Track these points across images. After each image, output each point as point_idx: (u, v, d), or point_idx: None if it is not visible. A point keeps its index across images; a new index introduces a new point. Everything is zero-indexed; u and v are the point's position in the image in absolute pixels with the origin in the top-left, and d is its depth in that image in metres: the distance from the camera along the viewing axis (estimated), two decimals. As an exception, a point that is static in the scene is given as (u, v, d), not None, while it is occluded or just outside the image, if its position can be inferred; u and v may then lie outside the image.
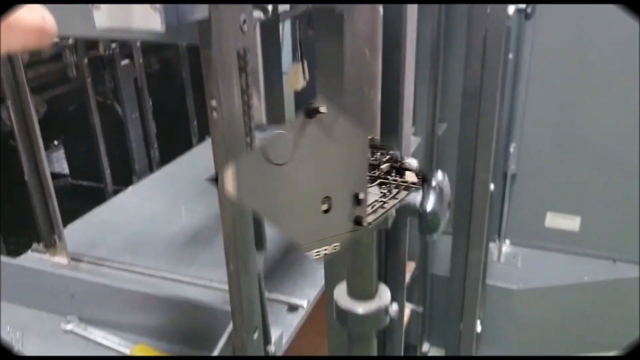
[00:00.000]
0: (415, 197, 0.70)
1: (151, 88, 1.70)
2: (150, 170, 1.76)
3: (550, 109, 2.13)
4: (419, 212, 0.69)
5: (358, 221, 0.63)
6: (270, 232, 1.41)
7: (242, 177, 0.56)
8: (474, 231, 1.95)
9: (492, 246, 2.34)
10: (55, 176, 3.11)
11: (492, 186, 1.92)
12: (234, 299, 0.87)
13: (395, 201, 0.68)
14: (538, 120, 2.16)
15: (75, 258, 1.28)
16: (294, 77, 1.55)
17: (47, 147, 3.34)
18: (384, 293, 0.79)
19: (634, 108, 2.04)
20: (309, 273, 1.22)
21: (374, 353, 0.83)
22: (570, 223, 2.24)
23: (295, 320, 1.11)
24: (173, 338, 1.06)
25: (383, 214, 0.66)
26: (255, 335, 0.93)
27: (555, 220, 2.26)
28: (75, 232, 1.42)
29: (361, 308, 0.77)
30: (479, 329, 2.11)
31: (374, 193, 0.69)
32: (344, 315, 0.78)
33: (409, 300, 2.13)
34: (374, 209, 0.67)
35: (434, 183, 0.70)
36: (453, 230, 2.02)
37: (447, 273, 2.08)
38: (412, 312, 2.10)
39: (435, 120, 1.92)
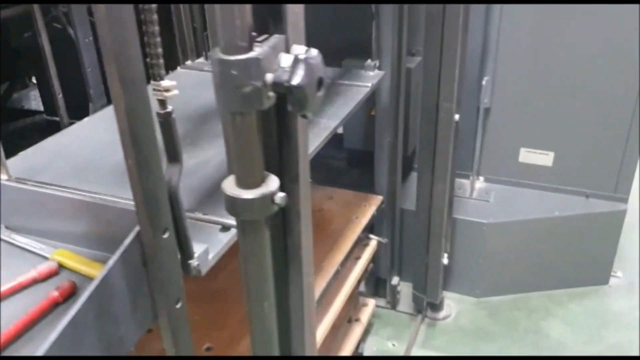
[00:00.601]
0: (283, 74, 0.68)
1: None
2: (107, 98, 1.73)
3: (524, 41, 2.08)
4: (288, 87, 0.67)
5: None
6: (214, 153, 1.42)
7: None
8: (439, 164, 1.94)
9: (465, 182, 2.33)
10: (31, 113, 3.13)
11: (456, 117, 1.89)
12: (135, 194, 0.87)
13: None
14: (512, 53, 2.11)
15: (19, 180, 1.27)
16: None
17: (25, 86, 3.37)
18: (271, 182, 0.78)
19: (611, 40, 1.98)
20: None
21: (266, 241, 0.83)
22: (544, 158, 2.22)
23: (225, 239, 1.10)
24: (93, 243, 1.07)
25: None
26: (165, 236, 0.93)
27: (529, 156, 2.23)
28: (25, 159, 1.42)
29: (247, 194, 0.76)
30: (445, 261, 2.12)
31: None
32: (232, 203, 0.77)
33: (378, 234, 2.14)
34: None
35: (302, 57, 0.69)
36: (418, 162, 2.01)
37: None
38: (380, 245, 2.11)
39: (402, 49, 1.88)
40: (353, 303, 2.08)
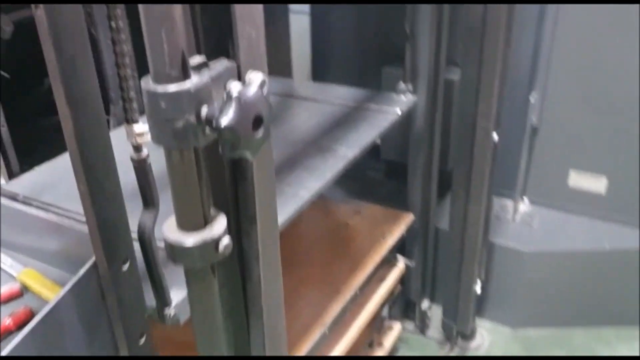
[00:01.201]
0: (214, 111, 0.59)
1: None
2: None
3: (578, 55, 1.91)
4: (215, 128, 0.58)
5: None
6: None
7: None
8: (474, 185, 1.80)
9: (509, 203, 2.17)
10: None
11: (495, 136, 1.74)
12: (89, 222, 0.81)
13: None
14: (566, 67, 1.94)
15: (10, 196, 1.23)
16: None
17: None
18: (217, 225, 0.69)
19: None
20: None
21: (214, 290, 0.74)
22: (596, 183, 2.03)
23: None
24: (62, 264, 1.01)
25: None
26: (125, 267, 0.86)
27: (579, 179, 2.05)
28: (39, 174, 1.38)
29: (186, 239, 0.68)
30: (478, 290, 1.98)
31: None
32: (170, 248, 0.69)
33: (408, 254, 2.02)
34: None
35: (234, 94, 0.59)
36: (453, 182, 1.87)
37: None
38: (408, 267, 1.99)
39: (440, 71, 1.74)
40: (376, 326, 1.97)
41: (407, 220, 1.94)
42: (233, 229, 0.76)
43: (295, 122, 1.67)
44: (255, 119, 0.60)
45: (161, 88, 0.60)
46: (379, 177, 2.38)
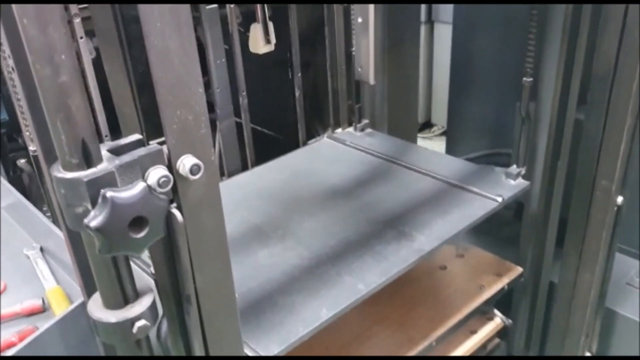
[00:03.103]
0: (89, 214, 0.57)
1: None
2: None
3: None
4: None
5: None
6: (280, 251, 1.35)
7: None
8: (587, 250, 1.58)
9: (637, 266, 1.88)
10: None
11: (619, 199, 1.51)
12: (73, 262, 0.84)
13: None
14: None
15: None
16: (253, 39, 1.39)
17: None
18: (138, 305, 0.68)
19: None
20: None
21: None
22: None
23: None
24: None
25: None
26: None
27: None
28: None
29: (103, 316, 0.67)
30: (586, 363, 1.75)
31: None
32: (94, 323, 0.69)
33: (515, 307, 1.85)
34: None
35: (108, 195, 0.56)
36: (565, 243, 1.66)
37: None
38: (511, 324, 1.82)
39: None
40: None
41: (513, 273, 1.76)
42: (174, 306, 0.74)
43: (384, 194, 1.59)
44: (134, 220, 0.58)
45: (60, 175, 0.59)
46: (508, 216, 2.19)
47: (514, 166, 1.58)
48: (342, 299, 1.20)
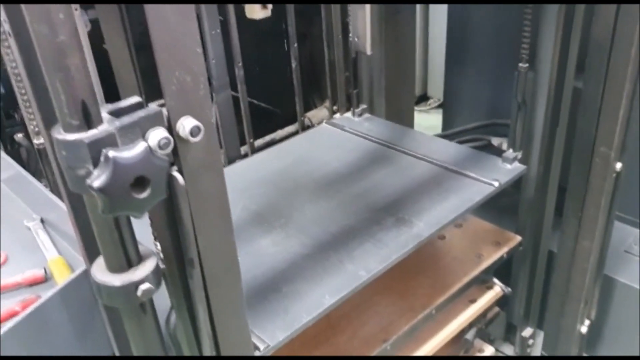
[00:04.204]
0: (92, 174, 0.57)
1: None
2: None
3: None
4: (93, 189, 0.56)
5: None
6: (282, 239, 1.35)
7: None
8: (587, 217, 1.59)
9: (636, 234, 1.89)
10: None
11: (618, 165, 1.51)
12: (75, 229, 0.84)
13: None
14: None
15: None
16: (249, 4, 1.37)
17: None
18: (143, 268, 0.68)
19: None
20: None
21: (148, 328, 0.73)
22: None
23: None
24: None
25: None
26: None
27: None
28: None
29: (107, 279, 0.67)
30: (584, 329, 1.76)
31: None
32: (95, 285, 0.69)
33: (514, 277, 1.86)
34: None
35: (110, 155, 0.56)
36: (564, 209, 1.67)
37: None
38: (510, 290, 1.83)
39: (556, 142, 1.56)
40: (462, 348, 1.85)
41: (512, 242, 1.77)
42: (176, 270, 0.74)
43: (383, 180, 1.60)
44: (136, 181, 0.58)
45: (61, 136, 0.59)
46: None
47: (510, 150, 1.58)
48: (344, 286, 1.22)
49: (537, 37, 1.49)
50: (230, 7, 1.64)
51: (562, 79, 1.52)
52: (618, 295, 1.84)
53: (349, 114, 1.95)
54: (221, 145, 1.78)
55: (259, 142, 2.19)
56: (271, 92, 2.41)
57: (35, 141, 0.94)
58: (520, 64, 1.50)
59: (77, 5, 1.29)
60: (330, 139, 1.85)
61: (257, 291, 1.22)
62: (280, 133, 2.36)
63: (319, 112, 2.44)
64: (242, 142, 1.84)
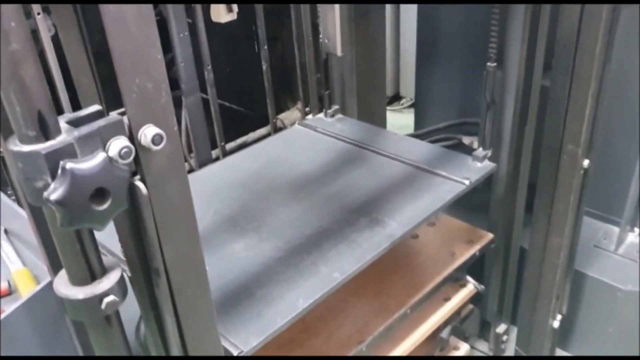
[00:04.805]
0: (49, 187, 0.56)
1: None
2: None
3: None
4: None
5: None
6: (255, 243, 1.35)
7: None
8: (556, 214, 1.61)
9: (612, 231, 1.92)
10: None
11: (586, 162, 1.53)
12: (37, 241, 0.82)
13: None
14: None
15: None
16: (215, 7, 1.36)
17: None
18: (106, 281, 0.67)
19: None
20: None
21: (114, 340, 0.72)
22: None
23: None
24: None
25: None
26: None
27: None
28: None
29: (70, 292, 0.66)
30: (556, 324, 1.78)
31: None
32: (59, 299, 0.68)
33: (486, 274, 1.87)
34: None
35: (67, 166, 0.55)
36: (534, 206, 1.69)
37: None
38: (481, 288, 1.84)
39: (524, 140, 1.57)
40: (437, 346, 1.86)
41: (484, 239, 1.78)
42: (142, 280, 0.73)
43: (356, 181, 1.60)
44: (96, 192, 0.57)
45: (17, 148, 0.58)
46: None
47: (480, 149, 1.60)
48: (318, 288, 1.22)
49: (504, 37, 1.51)
50: (198, 9, 1.62)
51: (530, 77, 1.54)
52: (589, 290, 1.86)
53: (321, 115, 1.94)
54: (192, 149, 1.77)
55: (230, 145, 2.17)
56: (243, 94, 2.40)
57: (-3, 150, 0.92)
58: (489, 63, 1.51)
59: (39, 9, 1.26)
60: (303, 140, 1.84)
61: (230, 296, 1.20)
62: (252, 135, 2.34)
63: (291, 114, 2.44)
64: (213, 146, 1.83)
